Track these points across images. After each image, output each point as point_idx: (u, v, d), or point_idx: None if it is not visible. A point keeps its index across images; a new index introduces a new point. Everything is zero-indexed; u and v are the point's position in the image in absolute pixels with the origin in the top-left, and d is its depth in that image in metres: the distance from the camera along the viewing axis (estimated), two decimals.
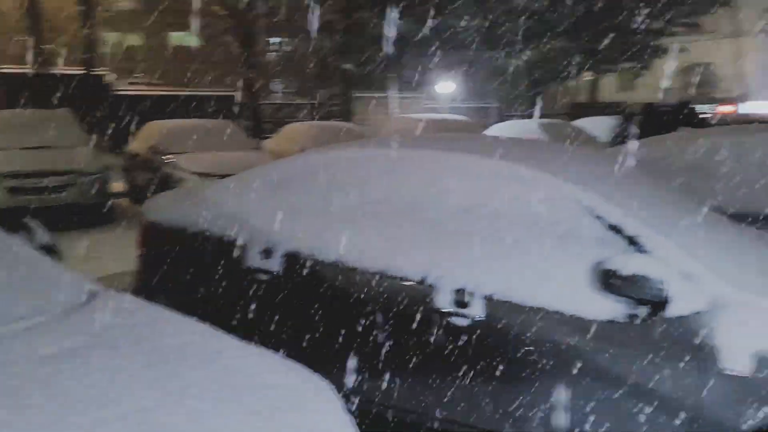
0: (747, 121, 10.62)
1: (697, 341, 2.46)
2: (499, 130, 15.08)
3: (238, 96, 18.93)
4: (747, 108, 24.77)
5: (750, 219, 3.85)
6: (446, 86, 21.85)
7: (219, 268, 3.48)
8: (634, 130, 12.09)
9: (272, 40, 30.52)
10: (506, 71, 21.28)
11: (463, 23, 19.06)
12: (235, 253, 3.43)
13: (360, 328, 3.09)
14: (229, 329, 2.41)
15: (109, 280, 5.45)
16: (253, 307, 3.37)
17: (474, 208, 3.00)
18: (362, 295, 3.09)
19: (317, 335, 3.22)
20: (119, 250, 6.43)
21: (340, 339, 3.15)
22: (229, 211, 3.58)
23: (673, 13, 23.66)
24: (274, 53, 30.97)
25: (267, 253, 3.37)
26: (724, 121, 17.58)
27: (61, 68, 17.73)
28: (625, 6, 21.95)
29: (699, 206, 3.34)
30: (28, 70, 16.65)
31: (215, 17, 18.75)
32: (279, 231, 3.37)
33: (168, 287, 3.71)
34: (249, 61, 16.93)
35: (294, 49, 24.35)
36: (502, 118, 21.52)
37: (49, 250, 2.50)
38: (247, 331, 3.09)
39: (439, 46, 19.63)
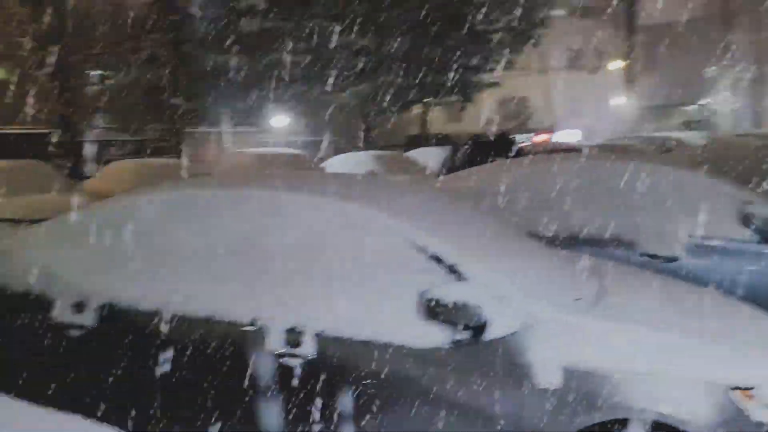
0: (559, 149, 11.77)
1: (514, 360, 2.62)
2: (334, 163, 15.35)
3: (55, 134, 17.50)
4: (559, 137, 27.42)
5: (560, 240, 4.21)
6: (281, 120, 21.87)
7: (21, 326, 3.13)
8: (459, 160, 12.86)
9: (92, 72, 28.67)
10: (340, 105, 21.78)
11: (295, 58, 19.26)
12: (43, 307, 3.11)
13: (190, 379, 2.92)
14: (35, 394, 2.17)
15: None
16: (64, 366, 3.07)
17: (301, 245, 2.99)
18: (190, 344, 2.93)
19: (139, 392, 2.99)
20: None
21: (167, 393, 2.96)
22: (35, 262, 3.25)
23: (489, 50, 25.75)
24: (94, 87, 29.11)
25: (79, 306, 3.09)
26: (539, 150, 19.30)
27: None
28: (447, 44, 23.49)
29: (512, 231, 3.60)
30: None
31: (21, 48, 17.26)
32: (92, 281, 3.12)
33: None
34: (64, 96, 15.75)
35: (117, 83, 23.09)
36: (338, 151, 21.94)
37: None
38: (56, 394, 2.82)
39: (273, 81, 19.66)
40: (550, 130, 28.67)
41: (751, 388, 2.52)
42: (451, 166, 15.05)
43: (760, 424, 2.49)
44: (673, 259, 4.33)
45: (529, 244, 3.54)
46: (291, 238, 3.02)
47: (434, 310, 2.66)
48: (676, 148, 16.23)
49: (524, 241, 3.55)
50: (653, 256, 4.38)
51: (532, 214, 4.40)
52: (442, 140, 20.18)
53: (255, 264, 3.00)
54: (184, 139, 19.10)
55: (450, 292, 2.65)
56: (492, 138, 11.36)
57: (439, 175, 10.34)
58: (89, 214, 3.50)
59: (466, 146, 13.51)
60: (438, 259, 2.81)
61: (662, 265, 4.29)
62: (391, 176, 12.53)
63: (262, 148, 17.29)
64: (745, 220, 4.36)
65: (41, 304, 3.13)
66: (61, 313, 3.10)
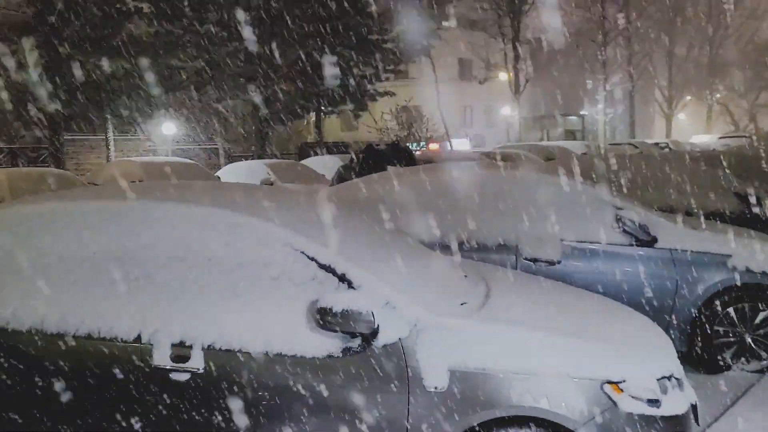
0: (451, 157, 12.15)
1: (403, 364, 2.69)
2: (228, 171, 15.05)
3: None
4: (450, 146, 28.25)
5: (448, 247, 4.34)
6: (169, 127, 21.12)
7: None
8: (354, 169, 12.97)
9: None
10: (233, 112, 21.36)
11: (185, 64, 18.68)
12: None
13: (71, 401, 2.78)
14: None
15: None
16: None
17: (186, 257, 2.91)
18: (70, 364, 2.78)
19: (20, 419, 2.81)
20: None
21: (51, 414, 2.80)
22: None
23: (384, 61, 26.15)
24: None
25: None
26: (431, 158, 19.82)
27: None
28: (343, 53, 23.64)
29: (401, 239, 3.68)
30: None
31: None
32: None
33: None
34: None
35: None
36: (231, 160, 21.51)
37: None
38: None
39: (161, 86, 18.95)
40: (442, 139, 29.48)
41: (622, 382, 2.71)
42: (345, 175, 15.16)
43: (629, 415, 2.69)
44: (553, 263, 4.59)
45: (418, 252, 3.64)
46: (177, 249, 2.94)
47: (325, 319, 2.68)
48: (558, 156, 17.20)
49: (413, 248, 3.64)
50: (535, 260, 4.62)
51: (421, 222, 4.52)
52: (337, 148, 20.27)
53: (140, 277, 2.90)
54: (63, 147, 18.00)
55: (341, 300, 2.68)
56: (386, 147, 11.51)
57: (332, 184, 10.37)
58: None
59: (361, 155, 13.66)
60: (328, 269, 2.83)
61: (544, 269, 4.53)
62: (285, 185, 12.45)
63: (150, 157, 16.65)
64: (618, 224, 4.69)
65: None
66: None
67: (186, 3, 18.44)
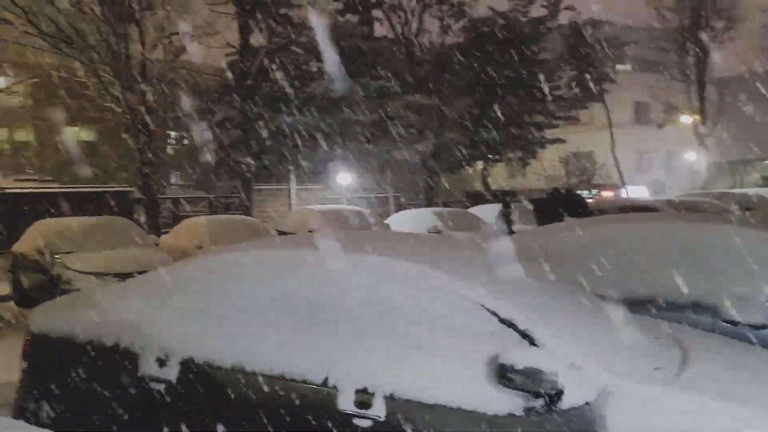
0: (627, 206, 11.49)
1: (589, 431, 2.55)
2: (397, 219, 15.50)
3: (135, 191, 18.45)
4: (626, 193, 26.83)
5: (637, 305, 4.05)
6: (345, 177, 22.36)
7: (111, 379, 3.29)
8: (525, 218, 12.75)
9: (170, 133, 30.31)
10: (402, 162, 22.13)
11: (360, 118, 19.79)
12: (128, 362, 3.27)
13: None
14: None
15: None
16: (148, 420, 3.18)
17: (371, 306, 3.04)
18: (262, 401, 3.00)
19: None
20: (2, 358, 5.94)
21: None
22: (122, 317, 3.44)
23: (554, 107, 25.74)
24: (171, 146, 30.71)
25: (162, 361, 3.23)
26: (606, 208, 18.93)
27: None
28: (510, 101, 23.67)
29: (586, 295, 3.54)
30: None
31: (110, 112, 18.48)
32: (174, 337, 3.26)
33: (55, 402, 3.46)
34: (145, 155, 16.66)
35: (191, 143, 24.26)
36: (401, 208, 22.17)
37: None
38: None
39: (337, 139, 20.22)
40: (617, 186, 28.11)
41: None
42: (499, 225, 14.94)
43: None
44: (759, 327, 4.09)
45: (606, 309, 3.47)
46: (362, 298, 3.07)
47: (506, 376, 2.63)
48: (757, 205, 15.56)
49: (598, 305, 3.48)
50: (737, 323, 4.15)
51: (607, 277, 4.29)
52: (505, 197, 20.10)
53: (327, 323, 3.06)
54: (252, 196, 19.74)
55: (523, 358, 2.62)
56: (559, 195, 11.19)
57: (504, 233, 10.27)
58: (171, 271, 3.68)
59: (532, 204, 13.41)
60: (509, 324, 2.80)
61: (747, 333, 4.06)
62: (452, 233, 12.53)
63: (327, 205, 17.69)
64: None
65: (129, 357, 3.28)
66: (146, 366, 3.24)
67: (362, 62, 19.66)
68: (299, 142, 18.76)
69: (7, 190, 17.34)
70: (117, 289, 3.79)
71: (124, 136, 17.41)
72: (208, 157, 18.21)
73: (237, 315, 3.23)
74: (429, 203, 22.87)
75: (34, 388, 3.61)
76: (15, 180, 22.80)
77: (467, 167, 26.31)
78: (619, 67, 29.73)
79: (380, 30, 23.71)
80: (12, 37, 16.61)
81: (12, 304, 10.56)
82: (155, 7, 16.61)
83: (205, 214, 18.55)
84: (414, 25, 23.96)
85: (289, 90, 18.49)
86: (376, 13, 23.47)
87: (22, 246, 10.79)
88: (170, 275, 3.60)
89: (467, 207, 19.04)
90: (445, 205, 23.31)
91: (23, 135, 35.92)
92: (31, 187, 18.55)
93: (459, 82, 22.15)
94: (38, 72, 19.51)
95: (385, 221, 15.18)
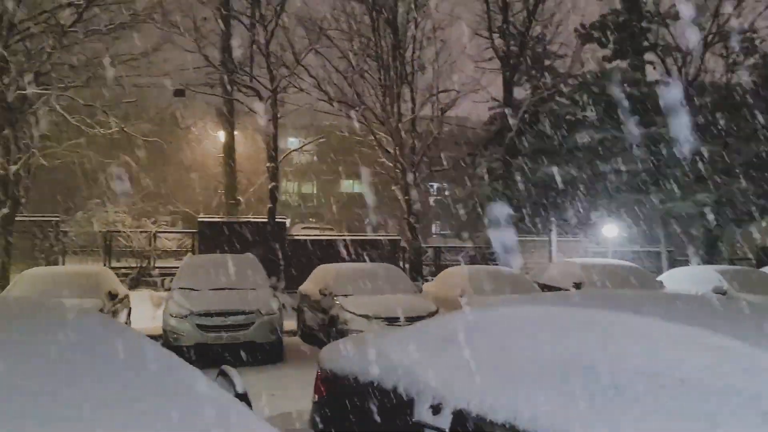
0: None
1: None
2: (672, 276, 14.17)
3: (402, 240, 19.71)
4: None
5: None
6: (611, 229, 21.15)
7: (388, 420, 3.47)
8: None
9: (432, 184, 32.04)
10: (677, 214, 20.27)
11: (629, 167, 18.70)
12: (404, 406, 3.42)
13: None
14: None
15: (283, 418, 5.67)
16: None
17: (658, 374, 2.77)
18: None
19: None
20: (291, 388, 6.69)
21: None
22: (400, 363, 3.62)
23: None
24: (433, 196, 32.38)
25: (436, 408, 3.31)
26: None
27: (248, 216, 19.75)
28: None
29: None
30: (222, 219, 18.74)
31: (381, 165, 20.17)
32: (448, 387, 3.33)
33: None
34: (411, 206, 17.75)
35: (453, 193, 25.25)
36: (674, 264, 20.26)
37: (243, 399, 2.61)
38: None
39: (603, 189, 19.34)
40: None
41: None
42: None
43: None
44: None
45: None
46: (647, 364, 2.83)
47: None
48: None
49: None
50: None
51: None
52: None
53: (607, 388, 2.87)
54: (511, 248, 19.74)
55: None
56: None
57: None
58: (447, 320, 3.80)
59: None
60: None
61: None
62: (743, 295, 11.05)
63: (591, 258, 16.89)
64: None
65: (405, 401, 3.44)
66: (420, 412, 3.36)
67: (632, 108, 18.67)
68: (562, 193, 18.38)
69: (296, 237, 19.79)
70: (396, 334, 4.03)
71: (393, 188, 18.80)
72: (469, 207, 18.77)
73: (511, 371, 3.19)
74: (710, 260, 20.57)
75: (322, 420, 3.97)
76: (302, 228, 25.99)
77: (758, 220, 23.15)
78: None
79: (653, 74, 22.27)
80: (306, 103, 19.18)
81: (297, 338, 11.89)
82: (426, 67, 17.88)
83: (465, 264, 19.04)
84: (693, 67, 22.16)
85: (553, 141, 18.35)
86: (649, 56, 22.19)
87: (306, 287, 12.15)
88: (447, 324, 3.72)
89: (758, 265, 16.71)
90: (731, 262, 20.76)
91: (308, 188, 41.05)
92: (314, 235, 20.94)
93: (747, 125, 19.78)
94: (324, 132, 22.18)
95: (658, 278, 13.96)
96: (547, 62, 20.09)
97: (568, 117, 18.35)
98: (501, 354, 3.28)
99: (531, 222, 20.52)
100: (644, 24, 20.90)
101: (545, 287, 13.26)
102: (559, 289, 12.76)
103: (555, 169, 17.60)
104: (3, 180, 13.02)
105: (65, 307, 2.80)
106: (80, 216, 17.74)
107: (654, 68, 22.55)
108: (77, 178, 19.93)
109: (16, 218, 13.73)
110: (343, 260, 15.49)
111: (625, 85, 18.62)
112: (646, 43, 21.51)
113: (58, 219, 17.11)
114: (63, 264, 16.51)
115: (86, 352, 2.21)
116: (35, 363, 1.99)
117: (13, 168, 13.11)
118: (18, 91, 12.69)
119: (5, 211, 13.06)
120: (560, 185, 18.25)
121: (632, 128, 18.27)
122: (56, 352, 2.11)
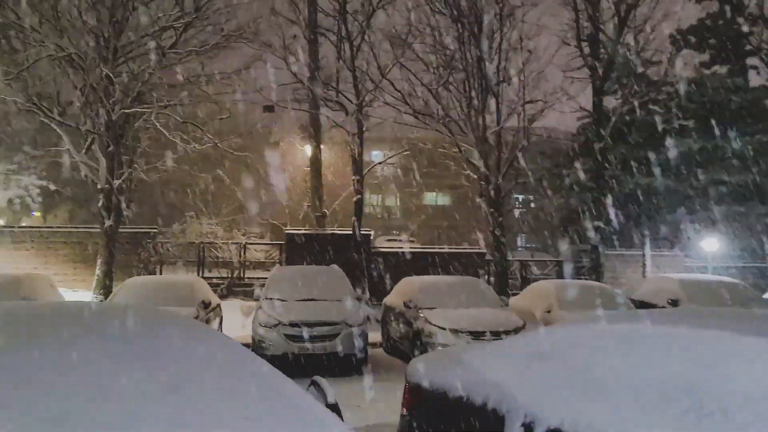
0: None
1: None
2: None
3: (487, 253, 19.43)
4: None
5: None
6: (711, 243, 19.98)
7: None
8: None
9: (518, 196, 31.49)
10: None
11: (730, 178, 17.68)
12: (495, 422, 3.34)
13: None
14: None
15: (369, 431, 5.67)
16: None
17: (755, 397, 2.57)
18: None
19: None
20: (376, 400, 6.70)
21: None
22: (489, 378, 3.54)
23: None
24: (519, 209, 31.79)
25: (527, 427, 3.21)
26: None
27: (334, 229, 20.07)
28: None
29: None
30: (309, 231, 19.15)
31: (466, 178, 19.99)
32: (540, 405, 3.22)
33: None
34: (496, 218, 17.49)
35: (539, 206, 24.69)
36: None
37: (334, 410, 2.62)
38: None
39: (701, 201, 18.37)
40: None
41: None
42: None
43: None
44: None
45: None
46: (756, 387, 2.63)
47: None
48: None
49: None
50: None
51: None
52: None
53: (708, 411, 2.69)
54: (602, 261, 19.05)
55: None
56: None
57: None
58: (539, 336, 3.69)
59: None
60: None
61: None
62: None
63: (689, 274, 16.02)
64: None
65: (495, 418, 3.35)
66: (511, 429, 3.26)
67: (732, 115, 17.68)
68: (656, 205, 17.58)
69: (380, 249, 19.90)
70: (485, 349, 3.95)
71: (478, 200, 18.58)
72: (557, 220, 18.27)
73: (607, 391, 3.05)
74: None
75: None
76: (386, 240, 26.15)
77: None
78: None
79: (756, 79, 21.08)
80: (390, 117, 19.32)
81: (381, 350, 11.90)
82: (512, 78, 17.63)
83: (552, 278, 18.52)
84: None
85: (646, 151, 17.61)
86: (752, 60, 20.97)
87: (391, 299, 12.16)
88: (538, 340, 3.61)
89: None
90: None
91: (391, 200, 41.32)
92: (398, 247, 20.99)
93: None
94: (408, 145, 22.26)
95: (765, 296, 13.07)
96: (639, 70, 19.33)
97: (663, 126, 17.56)
98: (595, 372, 3.15)
99: (623, 235, 19.72)
100: (746, 27, 19.79)
101: (639, 304, 12.69)
102: (654, 305, 12.18)
103: (649, 181, 16.86)
104: (107, 193, 13.85)
105: (166, 315, 2.91)
106: (176, 228, 18.57)
107: (758, 73, 21.29)
108: (173, 192, 20.92)
109: (119, 230, 14.56)
110: (428, 273, 15.43)
111: (722, 90, 17.65)
112: (748, 47, 20.36)
113: (156, 230, 17.97)
114: (161, 273, 17.32)
115: (189, 358, 2.28)
116: (140, 368, 2.07)
117: (117, 182, 13.94)
118: (122, 110, 13.50)
119: (109, 223, 13.88)
120: (654, 197, 17.46)
121: (734, 136, 17.27)
122: (160, 359, 2.18)
